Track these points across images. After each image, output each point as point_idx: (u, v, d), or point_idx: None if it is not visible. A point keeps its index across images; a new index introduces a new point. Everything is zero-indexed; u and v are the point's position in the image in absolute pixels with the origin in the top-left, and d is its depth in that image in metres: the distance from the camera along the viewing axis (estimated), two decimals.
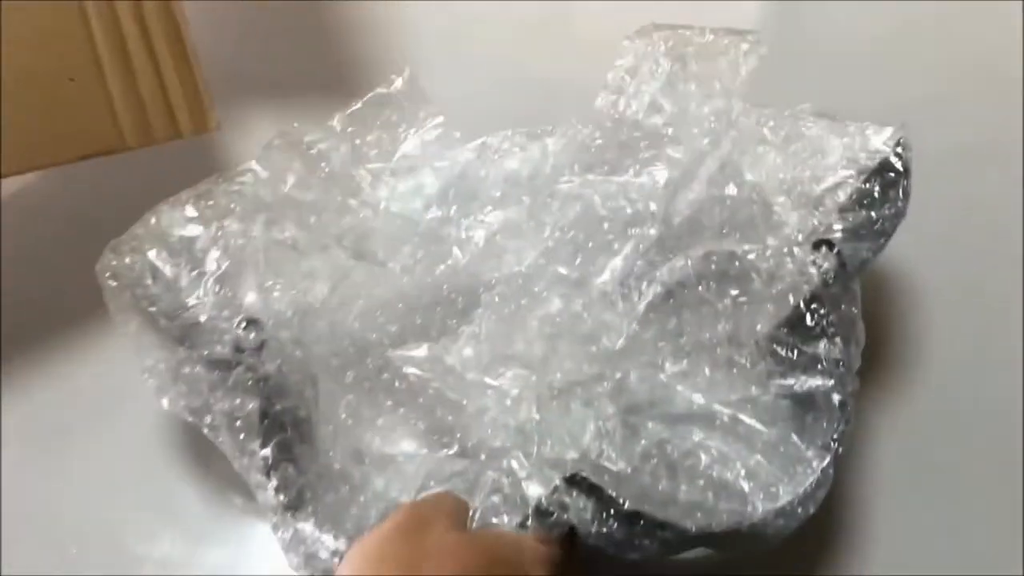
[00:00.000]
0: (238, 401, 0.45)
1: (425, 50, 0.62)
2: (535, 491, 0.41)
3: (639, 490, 0.42)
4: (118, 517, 0.51)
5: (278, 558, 0.46)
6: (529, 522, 0.41)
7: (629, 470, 0.42)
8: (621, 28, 0.62)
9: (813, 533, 0.46)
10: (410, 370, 0.47)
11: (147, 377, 0.48)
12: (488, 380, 0.46)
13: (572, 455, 0.42)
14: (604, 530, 0.40)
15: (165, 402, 0.48)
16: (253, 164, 0.50)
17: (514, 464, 0.42)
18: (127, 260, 0.49)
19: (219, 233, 0.47)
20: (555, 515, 0.41)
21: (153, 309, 0.48)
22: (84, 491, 0.52)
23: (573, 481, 0.41)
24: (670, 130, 0.52)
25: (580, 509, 0.41)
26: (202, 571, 0.49)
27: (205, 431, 0.47)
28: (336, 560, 0.41)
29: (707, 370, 0.47)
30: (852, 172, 0.51)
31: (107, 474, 0.52)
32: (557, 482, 0.41)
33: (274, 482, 0.44)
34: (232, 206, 0.48)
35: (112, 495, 0.51)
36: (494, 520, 0.41)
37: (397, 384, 0.47)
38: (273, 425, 0.45)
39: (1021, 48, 0.64)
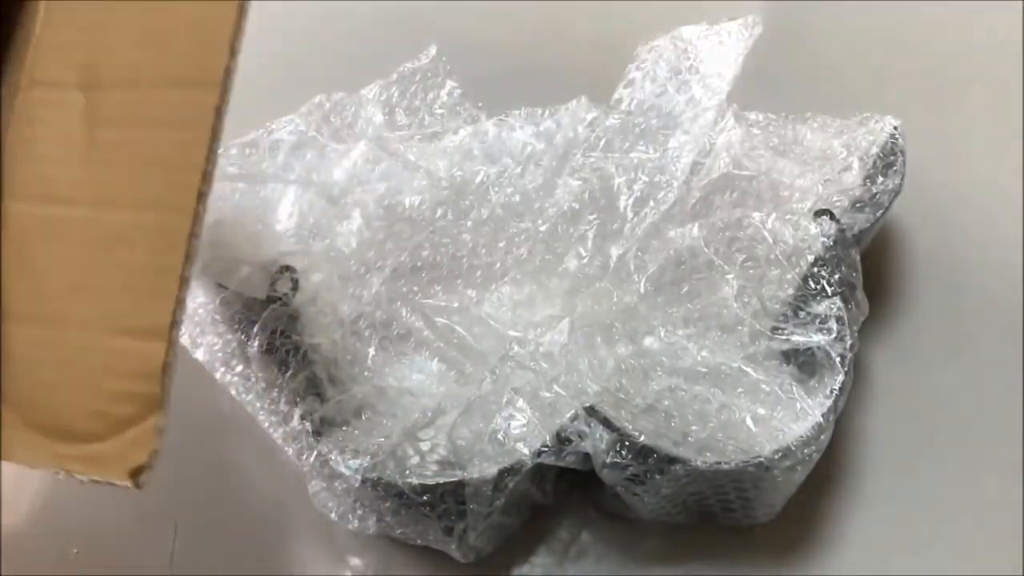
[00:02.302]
0: (271, 336, 0.47)
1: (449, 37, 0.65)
2: (556, 418, 0.44)
3: (654, 426, 0.44)
4: (120, 518, 0.52)
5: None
6: (548, 448, 0.43)
7: (645, 406, 0.45)
8: (630, 24, 0.66)
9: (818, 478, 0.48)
10: (439, 319, 0.50)
11: (182, 330, 0.50)
12: (513, 332, 0.49)
13: (594, 387, 0.44)
14: (618, 461, 0.43)
15: (199, 353, 0.50)
16: (296, 119, 0.53)
17: (539, 391, 0.44)
18: None
19: (260, 179, 0.50)
20: (573, 443, 0.44)
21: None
22: (86, 491, 0.52)
23: (593, 411, 0.43)
24: (684, 115, 0.56)
25: (596, 439, 0.43)
26: (205, 571, 0.50)
27: (231, 379, 0.50)
28: (359, 477, 0.43)
29: (715, 332, 0.50)
30: (854, 156, 0.55)
31: None
32: (579, 410, 0.43)
33: (300, 410, 0.46)
34: (275, 155, 0.51)
35: (114, 496, 0.52)
36: (516, 445, 0.43)
37: (426, 333, 0.50)
38: (302, 358, 0.47)
39: (1021, 48, 0.66)
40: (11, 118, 0.39)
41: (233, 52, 0.36)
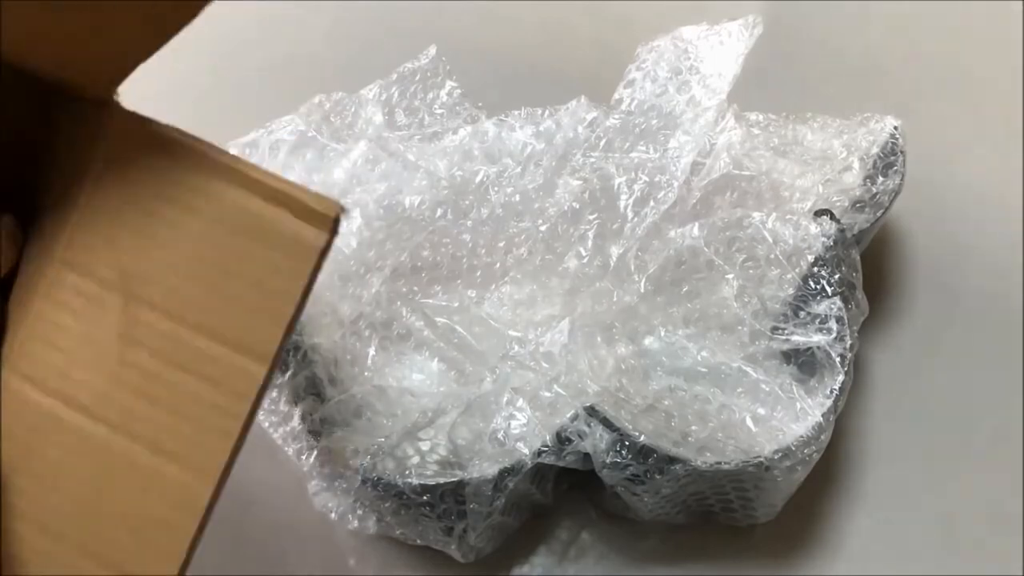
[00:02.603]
0: None
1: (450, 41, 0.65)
2: (556, 418, 0.44)
3: (654, 426, 0.44)
4: None
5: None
6: (548, 448, 0.43)
7: (645, 406, 0.45)
8: (630, 24, 0.66)
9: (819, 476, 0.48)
10: (439, 319, 0.50)
11: None
12: (513, 332, 0.49)
13: (594, 387, 0.44)
14: (618, 461, 0.43)
15: None
16: (296, 119, 0.53)
17: (539, 391, 0.44)
18: None
19: None
20: (573, 443, 0.44)
21: None
22: None
23: (593, 411, 0.43)
24: (684, 116, 0.56)
25: (597, 439, 0.43)
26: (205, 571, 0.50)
27: None
28: (359, 477, 0.43)
29: (715, 332, 0.50)
30: (854, 156, 0.55)
31: None
32: (579, 410, 0.43)
33: (300, 409, 0.46)
34: (275, 155, 0.51)
35: None
36: (516, 445, 0.43)
37: (426, 333, 0.50)
38: (302, 358, 0.47)
39: (1021, 48, 0.67)
40: (36, 289, 0.36)
41: (290, 330, 0.34)
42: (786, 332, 0.48)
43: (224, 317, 0.34)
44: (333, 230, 0.34)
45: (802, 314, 0.48)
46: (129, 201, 0.36)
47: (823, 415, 0.45)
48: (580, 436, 0.43)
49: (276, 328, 0.34)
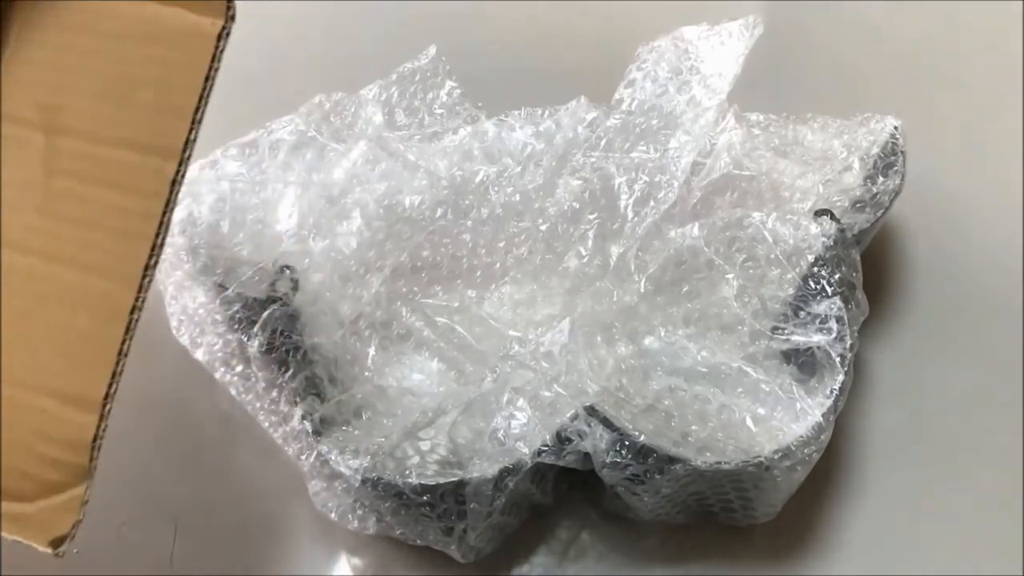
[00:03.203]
0: (271, 336, 0.47)
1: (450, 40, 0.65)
2: (556, 418, 0.44)
3: (654, 426, 0.44)
4: (120, 518, 0.51)
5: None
6: (548, 447, 0.43)
7: (645, 406, 0.45)
8: (631, 24, 0.66)
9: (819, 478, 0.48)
10: (440, 319, 0.50)
11: (182, 330, 0.51)
12: (513, 332, 0.49)
13: (594, 387, 0.44)
14: (618, 460, 0.43)
15: (199, 353, 0.51)
16: (296, 119, 0.53)
17: (540, 391, 0.44)
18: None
19: (260, 179, 0.50)
20: (573, 442, 0.44)
21: (195, 261, 0.50)
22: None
23: (593, 411, 0.43)
24: (685, 116, 0.56)
25: (597, 439, 0.43)
26: (205, 571, 0.50)
27: (231, 379, 0.50)
28: (359, 477, 0.43)
29: (715, 332, 0.50)
30: (855, 156, 0.55)
31: (111, 474, 0.52)
32: (579, 410, 0.43)
33: (300, 409, 0.46)
34: (275, 155, 0.51)
35: (114, 496, 0.50)
36: (516, 444, 0.43)
37: (426, 333, 0.50)
38: (302, 358, 0.47)
39: (1021, 46, 0.67)
40: None
41: (195, 123, 0.36)
42: (786, 332, 0.48)
43: (136, 125, 0.36)
44: (228, 15, 0.36)
45: (802, 314, 0.48)
46: (43, 43, 0.38)
47: (823, 415, 0.45)
48: (580, 436, 0.43)
49: (182, 122, 0.36)
